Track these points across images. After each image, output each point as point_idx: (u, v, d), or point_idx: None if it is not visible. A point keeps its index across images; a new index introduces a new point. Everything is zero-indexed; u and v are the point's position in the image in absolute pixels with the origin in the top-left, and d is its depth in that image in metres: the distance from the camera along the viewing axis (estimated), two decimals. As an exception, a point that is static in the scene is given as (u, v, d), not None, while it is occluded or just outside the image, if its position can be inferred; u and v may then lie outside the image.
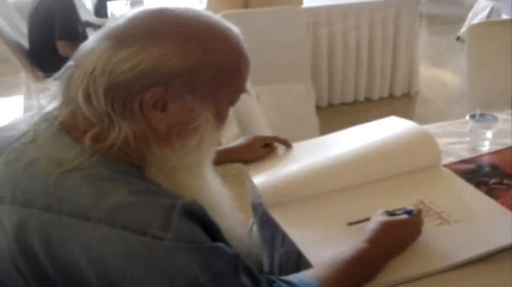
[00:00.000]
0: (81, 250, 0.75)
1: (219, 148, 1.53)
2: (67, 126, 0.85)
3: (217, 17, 0.90)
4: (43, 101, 0.90)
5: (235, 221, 1.06)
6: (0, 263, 0.80)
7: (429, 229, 1.17)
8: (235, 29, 0.90)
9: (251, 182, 1.41)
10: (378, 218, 1.13)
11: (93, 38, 0.86)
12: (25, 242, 0.77)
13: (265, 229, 1.42)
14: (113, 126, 0.82)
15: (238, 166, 1.57)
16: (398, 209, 1.17)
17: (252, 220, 1.66)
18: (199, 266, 0.76)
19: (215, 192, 1.02)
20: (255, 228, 1.63)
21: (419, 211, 1.16)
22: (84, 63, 0.82)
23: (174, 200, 0.79)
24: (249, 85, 0.94)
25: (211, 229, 0.83)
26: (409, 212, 1.15)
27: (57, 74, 0.88)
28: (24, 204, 0.79)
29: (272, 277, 0.94)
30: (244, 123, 1.76)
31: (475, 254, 1.09)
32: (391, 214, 1.16)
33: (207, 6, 3.72)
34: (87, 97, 0.81)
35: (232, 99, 0.92)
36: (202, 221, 0.82)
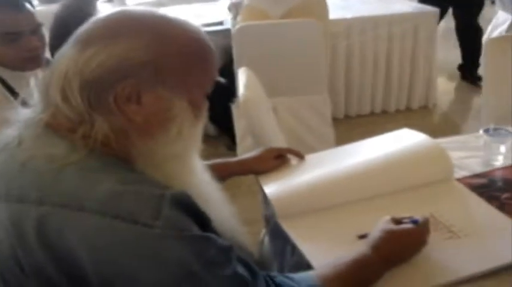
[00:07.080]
0: (79, 240, 0.77)
1: (232, 159, 1.55)
2: (50, 126, 0.88)
3: (175, 15, 0.94)
4: (25, 111, 0.93)
5: (226, 213, 1.07)
6: (3, 260, 0.83)
7: (438, 242, 1.17)
8: (195, 24, 0.94)
9: (263, 192, 1.42)
10: (383, 225, 1.13)
11: (65, 46, 0.90)
12: (23, 238, 0.80)
13: (276, 240, 1.43)
14: (93, 123, 0.85)
15: (253, 177, 1.59)
16: (405, 218, 1.17)
17: (264, 230, 1.67)
18: (191, 254, 0.78)
19: (205, 183, 1.04)
20: (266, 239, 1.63)
21: (426, 221, 1.15)
22: (58, 68, 0.87)
23: (164, 190, 0.81)
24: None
25: (201, 220, 0.85)
26: (415, 222, 1.14)
27: (35, 83, 0.93)
28: (19, 200, 0.82)
29: (273, 273, 0.98)
30: (258, 136, 1.77)
31: (483, 269, 1.09)
32: (397, 221, 1.16)
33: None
34: (65, 98, 0.85)
35: (204, 87, 0.95)
36: (192, 211, 0.83)
